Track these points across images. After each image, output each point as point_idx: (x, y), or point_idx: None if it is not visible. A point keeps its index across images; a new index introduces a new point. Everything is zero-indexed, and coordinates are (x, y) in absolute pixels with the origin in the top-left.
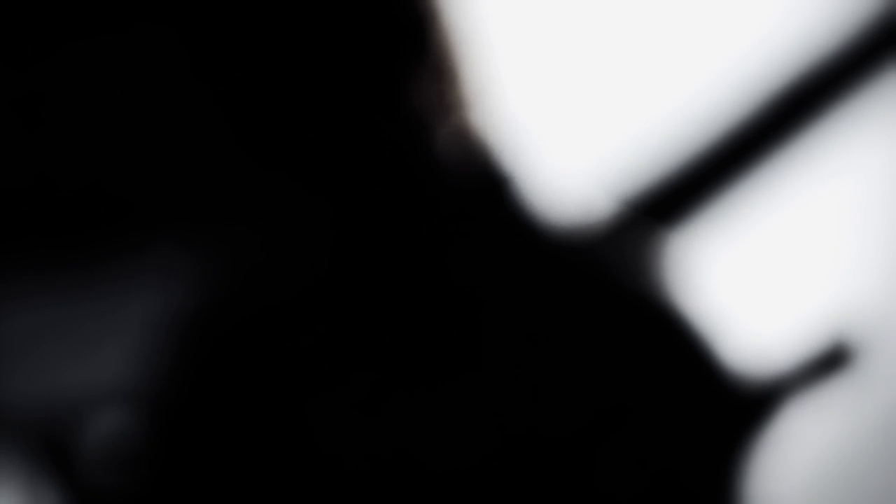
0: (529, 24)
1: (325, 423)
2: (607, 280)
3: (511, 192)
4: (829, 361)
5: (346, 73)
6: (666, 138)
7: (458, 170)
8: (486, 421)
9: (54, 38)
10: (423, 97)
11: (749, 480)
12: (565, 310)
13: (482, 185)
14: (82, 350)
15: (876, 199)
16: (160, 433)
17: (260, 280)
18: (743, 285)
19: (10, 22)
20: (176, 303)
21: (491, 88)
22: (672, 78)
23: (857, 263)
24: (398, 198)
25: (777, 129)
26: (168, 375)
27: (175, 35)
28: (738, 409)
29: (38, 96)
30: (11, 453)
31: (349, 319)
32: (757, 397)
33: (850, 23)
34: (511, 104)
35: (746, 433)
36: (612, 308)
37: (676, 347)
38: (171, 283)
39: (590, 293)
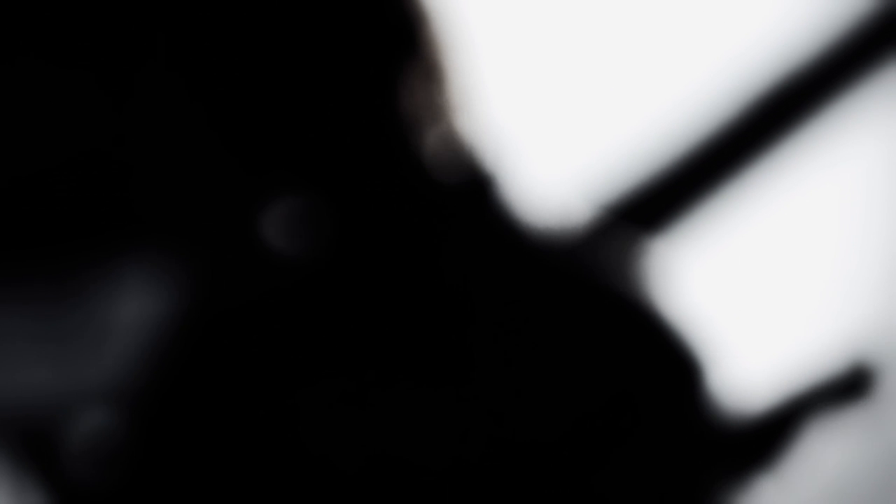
0: (515, 31)
1: (313, 420)
2: (592, 284)
3: (496, 195)
4: (850, 386)
5: (338, 77)
6: (657, 138)
7: (446, 173)
8: (471, 421)
9: (39, 45)
10: (412, 101)
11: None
12: (550, 312)
13: (468, 187)
14: (66, 351)
15: (879, 201)
16: (143, 431)
17: (245, 281)
18: (752, 302)
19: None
20: (161, 305)
21: (478, 93)
22: (663, 76)
23: (873, 280)
24: (386, 199)
25: (773, 127)
26: (152, 375)
27: (166, 43)
28: (727, 423)
29: (18, 101)
30: None
31: (338, 319)
32: (750, 414)
33: (849, 17)
34: (497, 109)
35: (737, 453)
36: (598, 313)
37: (661, 353)
38: (156, 286)
39: (575, 297)
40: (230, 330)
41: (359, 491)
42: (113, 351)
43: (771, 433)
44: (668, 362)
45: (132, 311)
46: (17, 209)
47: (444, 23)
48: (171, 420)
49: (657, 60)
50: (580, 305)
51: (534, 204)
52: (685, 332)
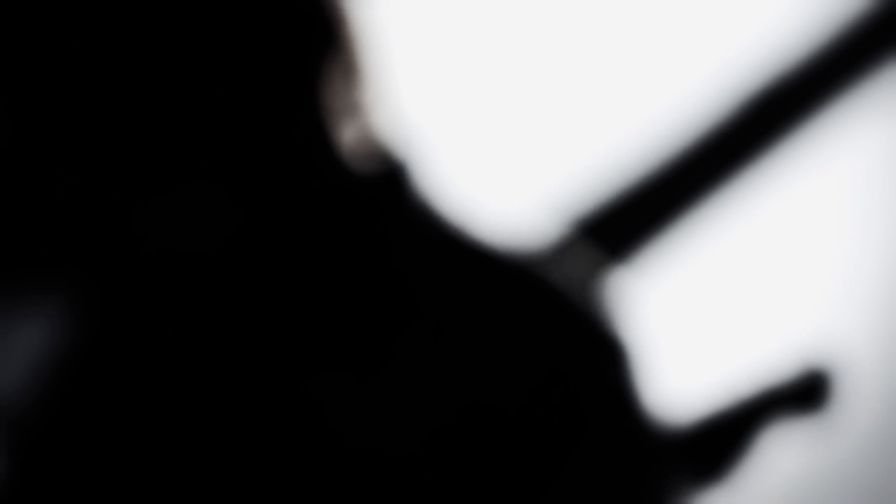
0: (475, 39)
1: (246, 418)
2: (514, 270)
3: (412, 188)
4: (804, 391)
5: (257, 72)
6: (652, 137)
7: (362, 166)
8: (404, 408)
9: None
10: (330, 97)
11: None
12: (468, 299)
13: (384, 180)
14: None
15: (874, 203)
16: (36, 447)
17: (152, 286)
18: (710, 307)
19: None
20: (60, 326)
21: (397, 92)
22: (658, 76)
23: (838, 286)
24: (302, 192)
25: (771, 128)
26: (48, 391)
27: (75, 47)
28: (657, 440)
29: None
30: None
31: (252, 311)
32: (674, 432)
33: (849, 17)
34: (434, 112)
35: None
36: (518, 297)
37: (584, 336)
38: (54, 308)
39: (496, 283)
40: (139, 336)
41: (294, 472)
42: (8, 371)
43: (723, 438)
44: (592, 346)
45: (30, 334)
46: None
47: (362, 19)
48: (66, 432)
49: (651, 61)
50: (500, 291)
51: (455, 196)
52: (611, 318)
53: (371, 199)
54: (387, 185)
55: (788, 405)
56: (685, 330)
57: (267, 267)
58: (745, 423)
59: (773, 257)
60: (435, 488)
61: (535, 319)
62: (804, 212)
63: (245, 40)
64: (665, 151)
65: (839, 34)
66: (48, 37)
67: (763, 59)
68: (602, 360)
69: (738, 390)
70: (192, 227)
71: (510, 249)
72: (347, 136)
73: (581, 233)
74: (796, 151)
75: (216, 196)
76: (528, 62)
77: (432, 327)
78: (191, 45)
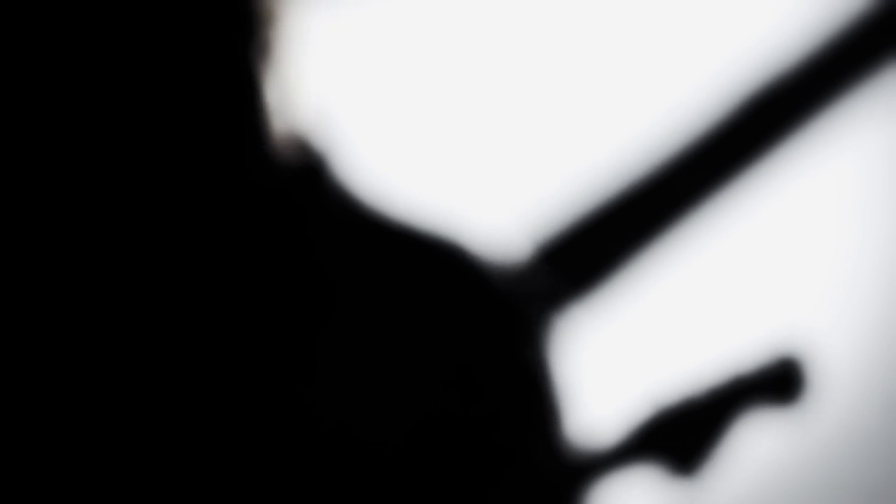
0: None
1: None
2: (433, 254)
3: (334, 181)
4: (778, 381)
5: (189, 67)
6: (653, 133)
7: (287, 159)
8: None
9: None
10: (261, 94)
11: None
12: (395, 297)
13: (307, 173)
14: None
15: (873, 203)
16: None
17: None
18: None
19: None
20: None
21: (323, 86)
22: (658, 79)
23: (837, 284)
24: (228, 186)
25: (770, 128)
26: None
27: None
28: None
29: None
30: None
31: (180, 309)
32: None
33: (849, 17)
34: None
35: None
36: (435, 281)
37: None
38: None
39: (416, 269)
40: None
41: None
42: None
43: (696, 429)
44: (510, 333)
45: None
46: None
47: (289, 24)
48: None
49: (650, 61)
50: (421, 281)
51: (381, 190)
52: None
53: (293, 190)
54: (309, 176)
55: (763, 395)
56: (675, 322)
57: (189, 261)
58: (718, 413)
59: (768, 253)
60: (367, 477)
61: (456, 309)
62: (804, 211)
63: (174, 34)
64: (666, 149)
65: (839, 34)
66: None
67: (763, 59)
68: (515, 343)
69: (713, 380)
70: (120, 219)
71: (438, 242)
72: (275, 128)
73: (582, 224)
74: (796, 151)
75: (144, 190)
76: (504, 65)
77: (354, 319)
78: (119, 35)
